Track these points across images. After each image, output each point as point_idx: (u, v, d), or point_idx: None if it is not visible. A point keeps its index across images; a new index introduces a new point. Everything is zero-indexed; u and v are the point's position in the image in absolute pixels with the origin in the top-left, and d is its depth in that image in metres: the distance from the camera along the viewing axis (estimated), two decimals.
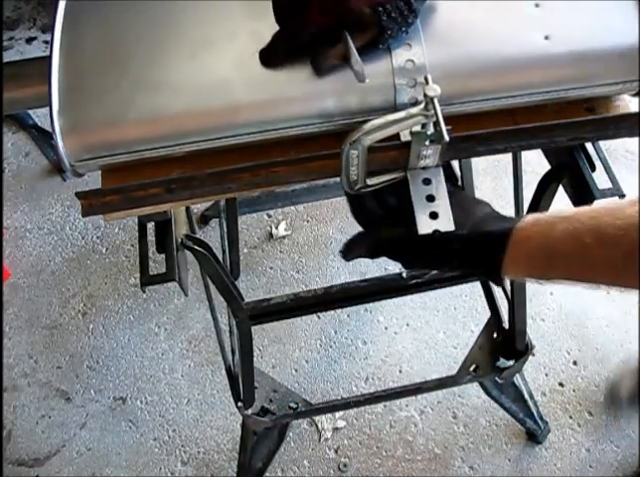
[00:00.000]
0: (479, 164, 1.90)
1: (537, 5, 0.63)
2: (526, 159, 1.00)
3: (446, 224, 0.60)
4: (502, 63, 0.62)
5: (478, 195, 0.76)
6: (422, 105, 0.56)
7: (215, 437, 1.56)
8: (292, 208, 1.89)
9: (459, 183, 1.27)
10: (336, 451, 1.53)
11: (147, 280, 0.70)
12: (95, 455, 1.56)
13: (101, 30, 0.64)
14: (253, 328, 1.05)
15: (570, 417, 1.56)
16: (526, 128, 0.63)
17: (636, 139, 0.66)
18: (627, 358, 1.61)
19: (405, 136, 0.61)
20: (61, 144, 0.59)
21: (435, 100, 0.55)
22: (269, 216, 1.89)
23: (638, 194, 0.52)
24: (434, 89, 0.55)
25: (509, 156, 0.99)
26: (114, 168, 0.63)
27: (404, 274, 1.19)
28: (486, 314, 1.34)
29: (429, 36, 0.61)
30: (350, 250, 0.66)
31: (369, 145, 0.58)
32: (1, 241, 1.82)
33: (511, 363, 1.24)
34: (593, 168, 0.72)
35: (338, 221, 1.88)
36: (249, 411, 1.18)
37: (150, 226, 0.73)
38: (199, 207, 1.85)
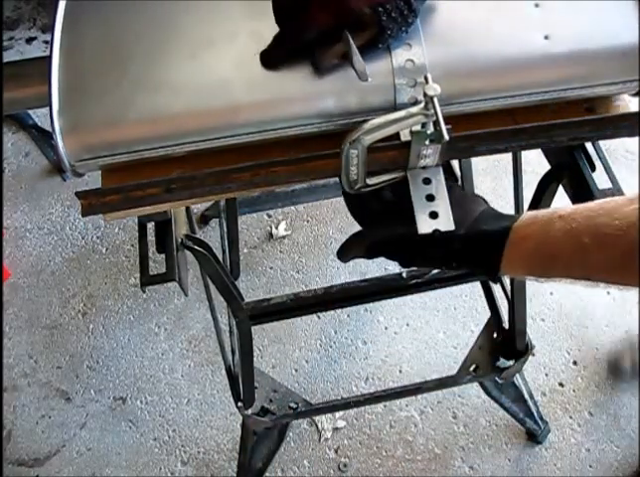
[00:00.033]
0: (479, 164, 1.90)
1: (537, 5, 0.63)
2: (526, 159, 1.00)
3: (446, 223, 0.59)
4: (502, 62, 0.62)
5: None
6: (422, 105, 0.56)
7: (215, 437, 1.56)
8: (292, 208, 1.89)
9: (459, 183, 1.27)
10: (336, 451, 1.53)
11: (147, 280, 0.70)
12: (95, 455, 1.56)
13: (101, 30, 0.64)
14: (253, 328, 1.05)
15: (570, 417, 1.56)
16: (526, 128, 0.63)
17: (636, 139, 0.66)
18: (629, 329, 1.62)
19: (405, 136, 0.61)
20: (61, 144, 0.59)
21: (435, 100, 0.55)
22: (269, 216, 1.89)
23: (638, 194, 0.52)
24: (434, 89, 0.55)
25: (509, 156, 0.99)
26: (114, 168, 0.63)
27: (404, 274, 1.19)
28: (486, 314, 1.34)
29: (429, 36, 0.61)
30: (346, 251, 0.66)
31: (369, 145, 0.58)
32: (1, 241, 1.82)
33: (511, 363, 1.24)
34: (593, 168, 0.72)
35: (338, 221, 1.88)
36: (249, 411, 1.18)
37: (150, 226, 0.73)
38: (199, 207, 1.85)
